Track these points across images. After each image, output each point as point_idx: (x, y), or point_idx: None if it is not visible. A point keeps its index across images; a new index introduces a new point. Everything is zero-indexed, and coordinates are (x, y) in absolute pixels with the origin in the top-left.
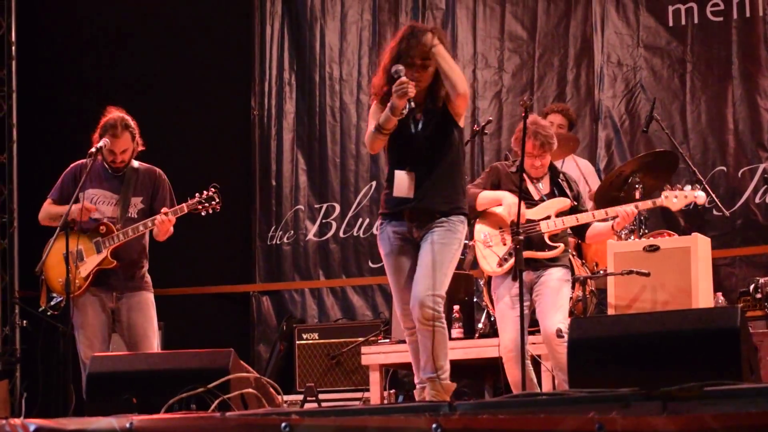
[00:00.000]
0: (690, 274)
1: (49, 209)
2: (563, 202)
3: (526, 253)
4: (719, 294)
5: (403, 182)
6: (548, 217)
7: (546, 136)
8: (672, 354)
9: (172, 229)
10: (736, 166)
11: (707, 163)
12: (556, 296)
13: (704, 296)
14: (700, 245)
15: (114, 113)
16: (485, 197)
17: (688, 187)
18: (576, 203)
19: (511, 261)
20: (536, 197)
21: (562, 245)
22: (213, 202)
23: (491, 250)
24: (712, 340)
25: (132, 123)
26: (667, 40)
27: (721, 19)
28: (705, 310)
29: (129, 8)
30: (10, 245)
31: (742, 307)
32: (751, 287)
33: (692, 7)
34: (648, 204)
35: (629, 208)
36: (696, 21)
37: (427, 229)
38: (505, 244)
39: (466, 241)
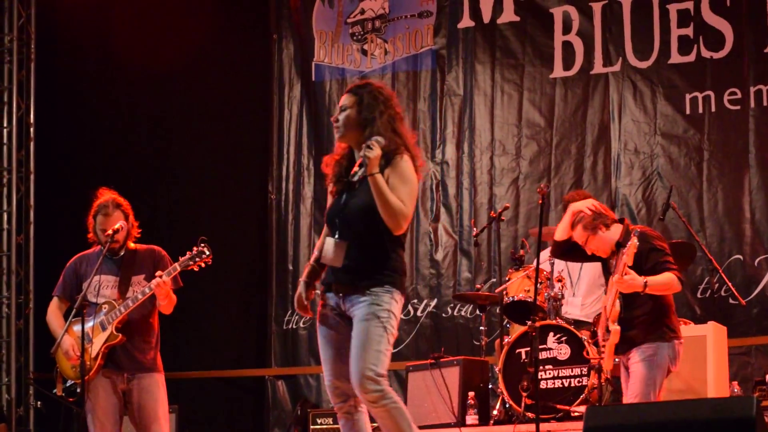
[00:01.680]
0: (705, 363)
1: (51, 321)
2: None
3: None
4: (735, 383)
5: (329, 250)
6: None
7: (577, 218)
8: None
9: (174, 296)
10: (752, 255)
11: (724, 251)
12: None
13: (720, 385)
14: (716, 334)
15: (106, 194)
16: None
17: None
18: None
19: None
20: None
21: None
22: (204, 256)
23: None
24: (727, 430)
25: (124, 203)
26: (684, 128)
27: (738, 107)
28: (720, 399)
29: (147, 90)
30: (25, 326)
31: (757, 396)
32: (767, 377)
33: (709, 95)
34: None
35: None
36: (713, 109)
37: (354, 304)
38: None
39: None
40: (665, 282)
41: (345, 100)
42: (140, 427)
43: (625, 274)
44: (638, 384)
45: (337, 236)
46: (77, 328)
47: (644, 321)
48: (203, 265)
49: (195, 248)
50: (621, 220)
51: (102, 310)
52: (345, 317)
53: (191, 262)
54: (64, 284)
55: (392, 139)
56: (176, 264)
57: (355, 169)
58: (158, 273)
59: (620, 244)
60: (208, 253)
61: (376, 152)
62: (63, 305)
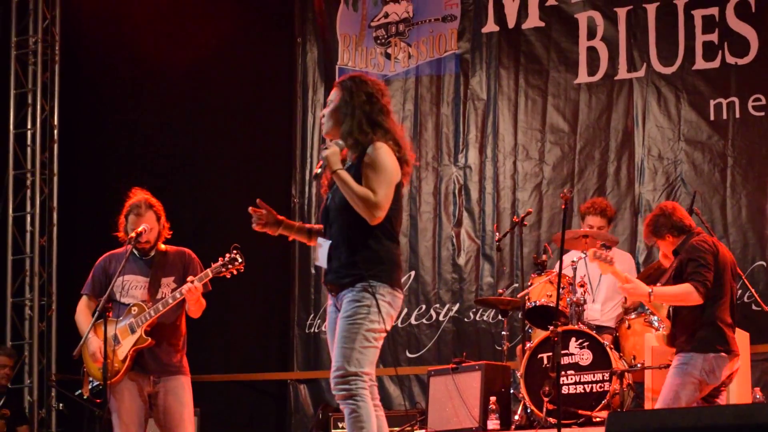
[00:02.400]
0: None
1: (80, 321)
2: None
3: None
4: (757, 389)
5: (316, 250)
6: None
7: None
8: None
9: (203, 301)
10: None
11: (747, 257)
12: None
13: (742, 391)
14: (739, 340)
15: (138, 194)
16: None
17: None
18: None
19: None
20: None
21: None
22: (236, 263)
23: None
24: None
25: (156, 204)
26: (708, 134)
27: (762, 114)
28: (742, 405)
29: (171, 93)
30: (48, 328)
31: None
32: None
33: (734, 101)
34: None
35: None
36: (737, 115)
37: (341, 301)
38: None
39: None
40: (676, 293)
41: (331, 94)
42: (165, 430)
43: (626, 283)
44: (665, 390)
45: (323, 236)
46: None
47: (684, 330)
48: (235, 272)
49: (228, 255)
50: (689, 230)
51: (131, 312)
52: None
53: (223, 269)
54: (94, 282)
55: (367, 132)
56: (208, 270)
57: (316, 170)
58: (189, 278)
59: (677, 252)
60: (240, 260)
61: (331, 149)
62: (92, 303)
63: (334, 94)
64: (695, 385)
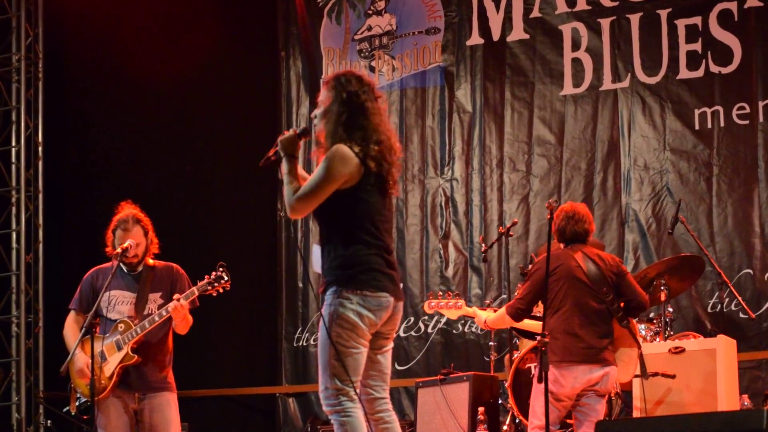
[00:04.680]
0: (715, 377)
1: (68, 336)
2: None
3: None
4: (745, 396)
5: (314, 256)
6: None
7: None
8: None
9: (190, 318)
10: (762, 269)
11: (733, 266)
12: None
13: (730, 399)
14: (726, 347)
15: (126, 209)
16: None
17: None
18: None
19: None
20: None
21: None
22: (222, 281)
23: None
24: None
25: (144, 218)
26: (693, 143)
27: (747, 122)
28: (731, 413)
29: (155, 108)
30: (35, 345)
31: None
32: None
33: (718, 110)
34: None
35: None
36: (722, 124)
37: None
38: None
39: None
40: (495, 319)
41: (321, 93)
42: None
43: (474, 316)
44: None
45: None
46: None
47: None
48: (221, 290)
49: (214, 273)
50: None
51: (118, 329)
52: None
53: (209, 287)
54: (81, 298)
55: (342, 136)
56: (194, 288)
57: (269, 153)
58: (176, 296)
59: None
60: (226, 278)
61: (288, 135)
62: (80, 318)
63: (323, 94)
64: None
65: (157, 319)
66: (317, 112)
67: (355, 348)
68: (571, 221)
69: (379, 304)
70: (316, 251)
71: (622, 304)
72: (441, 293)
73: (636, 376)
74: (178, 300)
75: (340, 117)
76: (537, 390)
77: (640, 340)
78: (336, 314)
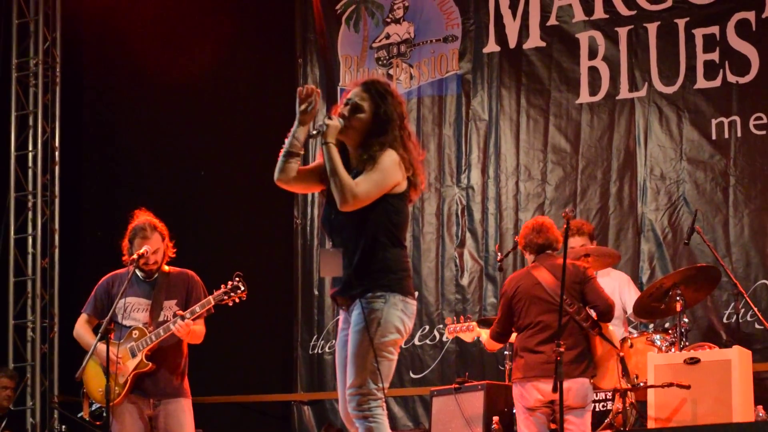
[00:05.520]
0: (730, 387)
1: (82, 334)
2: None
3: None
4: (760, 407)
5: (322, 260)
6: None
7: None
8: None
9: (200, 329)
10: None
11: (749, 276)
12: None
13: (745, 409)
14: (741, 358)
15: (142, 217)
16: None
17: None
18: None
19: None
20: None
21: None
22: (239, 291)
23: None
24: None
25: (160, 225)
26: (710, 153)
27: (764, 132)
28: (746, 424)
29: (172, 114)
30: (50, 350)
31: None
32: None
33: (735, 120)
34: None
35: None
36: (739, 134)
37: (352, 314)
38: None
39: None
40: (486, 342)
41: (357, 93)
42: None
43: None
44: None
45: (330, 245)
46: (104, 349)
47: None
48: (237, 300)
49: (230, 282)
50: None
51: (132, 336)
52: None
53: (225, 297)
54: (95, 302)
55: (395, 137)
56: (210, 297)
57: (312, 131)
58: (178, 312)
59: None
60: (243, 288)
61: (335, 122)
62: (92, 322)
63: (363, 100)
64: (522, 412)
65: (172, 327)
66: (349, 113)
67: (392, 355)
68: (534, 233)
69: (413, 313)
70: (330, 256)
71: (591, 311)
72: (454, 318)
73: (633, 386)
74: (183, 317)
75: (393, 138)
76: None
77: (655, 349)
78: (384, 319)
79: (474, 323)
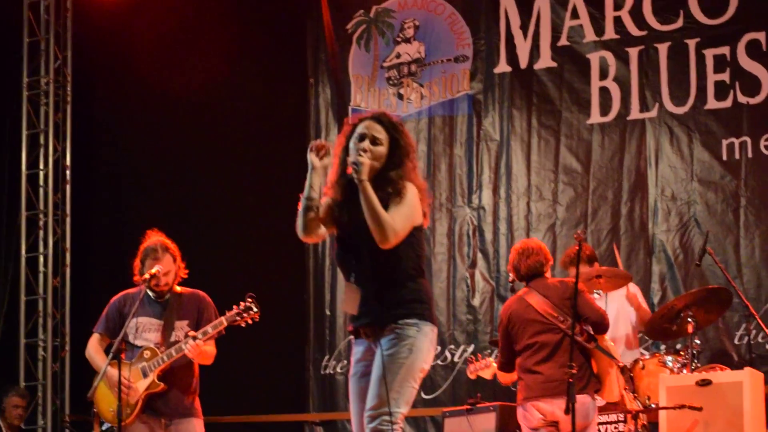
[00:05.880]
0: (742, 409)
1: (93, 355)
2: None
3: None
4: None
5: (346, 296)
6: None
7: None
8: None
9: (211, 349)
10: None
11: (761, 297)
12: None
13: (756, 431)
14: (753, 380)
15: (153, 237)
16: None
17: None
18: None
19: None
20: None
21: None
22: (251, 312)
23: None
24: None
25: (171, 245)
26: (721, 174)
27: None
28: None
29: (183, 133)
30: (61, 369)
31: None
32: None
33: (746, 141)
34: None
35: None
36: (750, 155)
37: (379, 343)
38: None
39: None
40: (498, 375)
41: (377, 132)
42: None
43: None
44: None
45: (352, 279)
46: (115, 374)
47: None
48: (250, 321)
49: (243, 303)
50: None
51: (143, 356)
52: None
53: (238, 318)
54: (107, 321)
55: (413, 170)
56: (222, 318)
57: (348, 171)
58: (191, 333)
59: None
60: (255, 309)
61: (366, 160)
62: (104, 342)
63: (379, 132)
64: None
65: (184, 347)
66: (372, 147)
67: (416, 383)
68: (522, 257)
69: (434, 342)
70: (354, 291)
71: (585, 326)
72: (472, 358)
73: (645, 407)
74: (194, 338)
75: (406, 171)
76: None
77: (667, 371)
78: (416, 347)
79: (491, 359)
